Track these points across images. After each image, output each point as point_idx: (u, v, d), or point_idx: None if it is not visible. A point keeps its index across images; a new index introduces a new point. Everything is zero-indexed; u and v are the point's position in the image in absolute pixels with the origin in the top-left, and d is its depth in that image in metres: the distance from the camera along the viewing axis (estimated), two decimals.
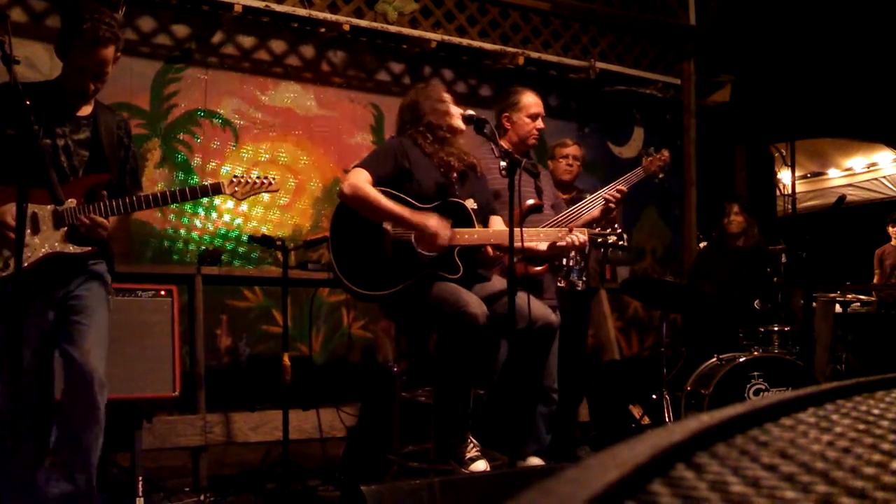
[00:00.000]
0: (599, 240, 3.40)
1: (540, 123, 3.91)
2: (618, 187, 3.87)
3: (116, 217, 2.91)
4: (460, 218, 3.26)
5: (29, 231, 2.72)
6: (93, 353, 2.79)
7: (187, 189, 3.02)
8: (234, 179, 3.08)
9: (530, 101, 3.91)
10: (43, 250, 2.79)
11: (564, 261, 3.83)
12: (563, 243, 3.34)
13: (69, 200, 2.81)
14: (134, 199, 2.92)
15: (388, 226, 3.21)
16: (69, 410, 2.79)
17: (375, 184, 3.20)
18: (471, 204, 3.32)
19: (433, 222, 3.14)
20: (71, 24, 2.82)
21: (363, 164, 3.27)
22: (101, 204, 2.85)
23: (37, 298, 2.79)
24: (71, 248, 2.84)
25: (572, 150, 4.74)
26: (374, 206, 3.16)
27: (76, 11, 2.83)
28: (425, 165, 3.31)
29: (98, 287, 2.93)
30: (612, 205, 3.73)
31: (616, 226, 3.48)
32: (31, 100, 2.53)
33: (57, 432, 2.80)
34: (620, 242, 3.41)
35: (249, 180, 3.10)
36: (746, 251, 5.26)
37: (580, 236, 3.33)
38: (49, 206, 2.79)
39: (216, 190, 3.02)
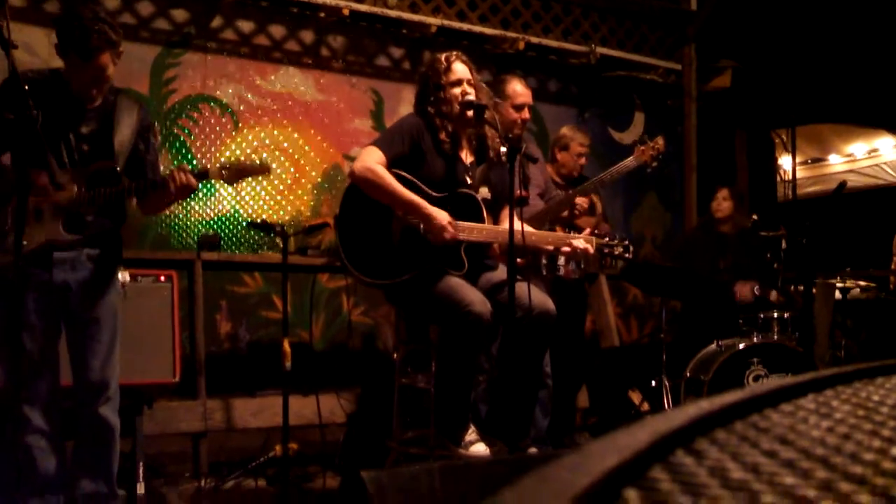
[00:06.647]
0: (606, 250, 3.37)
1: (525, 114, 3.82)
2: (578, 201, 3.98)
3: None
4: (470, 210, 3.17)
5: (33, 221, 2.71)
6: (98, 368, 2.82)
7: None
8: (223, 163, 3.00)
9: (517, 90, 3.82)
10: (40, 239, 2.76)
11: (544, 259, 3.86)
12: (568, 249, 3.30)
13: (70, 187, 2.78)
14: (142, 183, 2.88)
15: (399, 211, 3.13)
16: (81, 425, 2.85)
17: (389, 164, 3.08)
18: (483, 193, 3.26)
19: (441, 216, 3.06)
20: (66, 32, 2.73)
21: (377, 143, 3.14)
22: (103, 190, 2.81)
23: (39, 280, 2.77)
24: (65, 236, 2.79)
25: (587, 142, 4.51)
26: (384, 189, 3.04)
27: (71, 18, 2.73)
28: (434, 150, 3.19)
29: (108, 294, 2.90)
30: (576, 211, 3.97)
31: (623, 237, 3.46)
32: (35, 90, 2.51)
33: (75, 443, 2.87)
34: (627, 255, 3.39)
35: (239, 165, 3.01)
36: (729, 238, 5.24)
37: (586, 245, 3.29)
38: (52, 200, 2.76)
39: (202, 176, 2.92)
